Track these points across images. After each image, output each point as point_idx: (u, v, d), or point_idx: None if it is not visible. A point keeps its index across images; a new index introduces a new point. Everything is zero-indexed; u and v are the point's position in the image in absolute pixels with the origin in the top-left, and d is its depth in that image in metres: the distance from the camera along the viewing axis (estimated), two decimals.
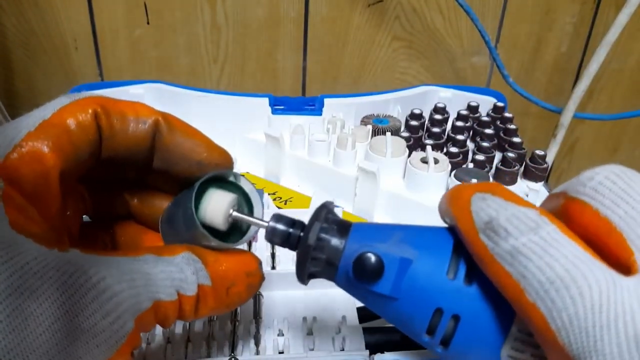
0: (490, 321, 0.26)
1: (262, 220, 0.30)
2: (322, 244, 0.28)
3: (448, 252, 0.27)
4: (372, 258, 0.26)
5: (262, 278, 0.30)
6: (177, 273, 0.26)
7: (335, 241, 0.28)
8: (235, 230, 0.32)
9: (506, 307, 0.25)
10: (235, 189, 0.32)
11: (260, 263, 0.30)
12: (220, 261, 0.28)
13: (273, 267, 0.48)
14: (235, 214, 0.29)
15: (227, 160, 0.31)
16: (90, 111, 0.25)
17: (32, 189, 0.23)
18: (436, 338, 0.27)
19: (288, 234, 0.29)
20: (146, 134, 0.28)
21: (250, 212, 0.33)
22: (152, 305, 0.26)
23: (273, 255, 0.48)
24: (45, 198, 0.24)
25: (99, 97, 0.26)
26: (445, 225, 0.31)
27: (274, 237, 0.29)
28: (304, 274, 0.29)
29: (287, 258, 0.48)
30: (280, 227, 0.29)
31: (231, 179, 0.32)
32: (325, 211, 0.29)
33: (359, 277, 0.26)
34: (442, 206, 0.30)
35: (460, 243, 0.27)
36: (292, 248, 0.30)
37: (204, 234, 0.29)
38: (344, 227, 0.29)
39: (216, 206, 0.29)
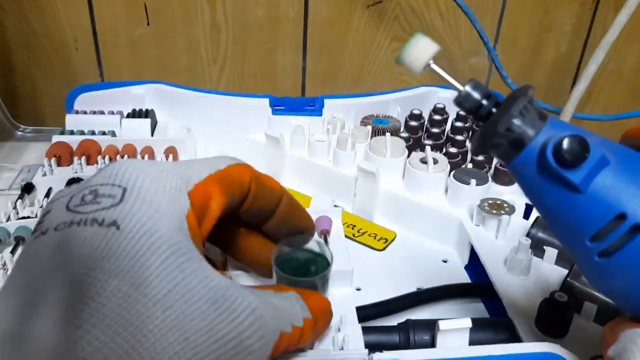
0: None
1: (457, 82, 0.30)
2: (520, 120, 0.27)
3: None
4: (579, 141, 0.25)
5: (332, 316, 0.36)
6: (291, 307, 0.30)
7: (534, 121, 0.27)
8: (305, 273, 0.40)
9: None
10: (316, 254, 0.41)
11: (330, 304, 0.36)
12: (311, 300, 0.33)
13: None
14: (433, 65, 0.31)
15: (314, 229, 0.40)
16: (249, 174, 0.32)
17: (199, 218, 0.28)
18: (600, 245, 0.26)
19: (481, 103, 0.29)
20: (274, 202, 0.35)
21: (327, 270, 0.40)
22: (280, 336, 0.28)
23: None
24: (204, 229, 0.29)
25: (252, 168, 0.33)
26: None
27: (465, 102, 0.29)
28: (487, 144, 0.28)
29: None
30: (476, 94, 0.29)
31: (316, 248, 0.41)
32: (529, 91, 0.28)
33: (561, 157, 0.25)
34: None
35: None
36: (479, 118, 0.29)
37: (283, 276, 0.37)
38: (542, 114, 0.28)
39: (420, 52, 0.32)
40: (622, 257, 0.25)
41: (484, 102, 0.29)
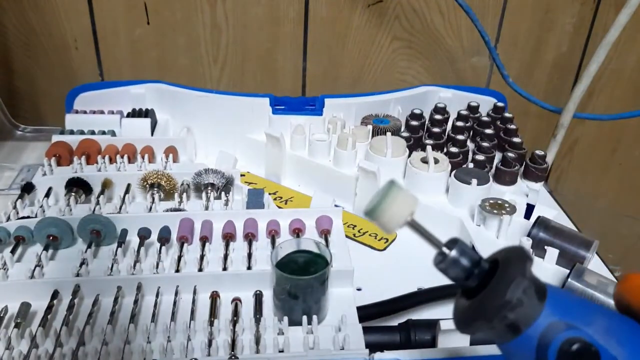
0: None
1: (440, 242, 0.25)
2: (516, 304, 0.22)
3: None
4: (588, 351, 0.22)
5: None
6: None
7: (532, 305, 0.23)
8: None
9: None
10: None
11: None
12: None
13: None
14: (412, 221, 0.25)
15: None
16: None
17: None
18: None
19: (470, 272, 0.24)
20: None
21: (326, 270, 0.43)
22: None
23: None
24: None
25: None
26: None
27: (450, 269, 0.24)
28: (477, 329, 0.23)
29: None
30: (464, 261, 0.24)
31: (315, 249, 0.45)
32: (528, 264, 0.23)
33: None
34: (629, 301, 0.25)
35: None
36: (463, 287, 0.24)
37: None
38: (540, 289, 0.23)
39: (400, 209, 0.25)
40: None
41: (475, 270, 0.24)
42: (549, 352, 0.22)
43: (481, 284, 0.23)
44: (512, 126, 0.70)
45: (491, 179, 0.62)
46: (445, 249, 0.24)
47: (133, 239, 0.52)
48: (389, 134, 0.65)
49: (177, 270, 0.49)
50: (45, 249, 0.50)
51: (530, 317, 0.23)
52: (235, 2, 0.84)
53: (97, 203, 0.57)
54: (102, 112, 0.73)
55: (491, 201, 0.57)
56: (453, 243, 0.24)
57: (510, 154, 0.64)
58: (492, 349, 0.40)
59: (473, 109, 0.75)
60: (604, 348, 0.22)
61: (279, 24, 0.86)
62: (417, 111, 0.72)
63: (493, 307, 0.23)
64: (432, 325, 0.44)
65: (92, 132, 0.69)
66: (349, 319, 0.44)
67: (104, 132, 0.69)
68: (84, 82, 0.77)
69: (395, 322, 0.47)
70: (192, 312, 0.45)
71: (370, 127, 0.69)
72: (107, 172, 0.62)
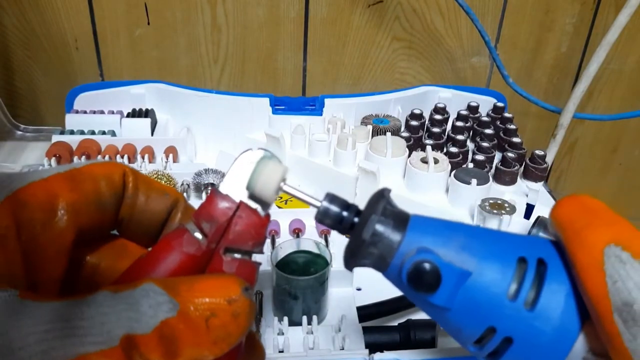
0: (546, 350, 0.24)
1: (314, 198, 0.28)
2: (377, 239, 0.26)
3: (512, 267, 0.25)
4: (429, 269, 0.24)
5: (248, 305, 0.23)
6: (128, 311, 0.21)
7: (391, 238, 0.26)
8: None
9: (565, 338, 0.24)
10: None
11: (245, 288, 0.23)
12: (194, 289, 0.22)
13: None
14: (286, 187, 0.27)
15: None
16: (121, 170, 0.27)
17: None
18: (484, 351, 0.26)
19: (341, 218, 0.27)
20: (166, 208, 0.29)
21: (326, 270, 0.43)
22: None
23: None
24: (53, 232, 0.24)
25: (128, 166, 0.28)
26: (517, 232, 0.29)
27: (325, 219, 0.27)
28: (353, 265, 0.27)
29: None
30: (334, 209, 0.27)
31: (315, 249, 0.47)
32: (383, 202, 0.26)
33: (415, 286, 0.25)
34: (557, 217, 0.27)
35: (545, 260, 0.25)
36: (342, 232, 0.28)
37: None
38: (401, 221, 0.26)
39: (269, 177, 0.27)
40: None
41: (344, 213, 0.27)
42: (402, 275, 0.25)
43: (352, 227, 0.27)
44: (512, 126, 0.70)
45: (491, 179, 0.62)
46: (317, 203, 0.27)
47: None
48: (389, 134, 0.65)
49: None
50: None
51: (391, 248, 0.26)
52: (235, 2, 0.84)
53: None
54: (102, 112, 0.73)
55: (491, 201, 0.57)
56: (325, 196, 0.27)
57: (510, 154, 0.64)
58: None
59: (473, 109, 0.75)
60: (449, 265, 0.25)
61: (279, 24, 0.86)
62: (417, 111, 0.72)
63: (357, 246, 0.26)
64: (432, 325, 0.44)
65: (92, 132, 0.69)
66: (349, 319, 0.45)
67: (104, 132, 0.70)
68: (84, 82, 0.77)
69: (395, 322, 0.47)
70: None
71: (370, 127, 0.69)
72: None
